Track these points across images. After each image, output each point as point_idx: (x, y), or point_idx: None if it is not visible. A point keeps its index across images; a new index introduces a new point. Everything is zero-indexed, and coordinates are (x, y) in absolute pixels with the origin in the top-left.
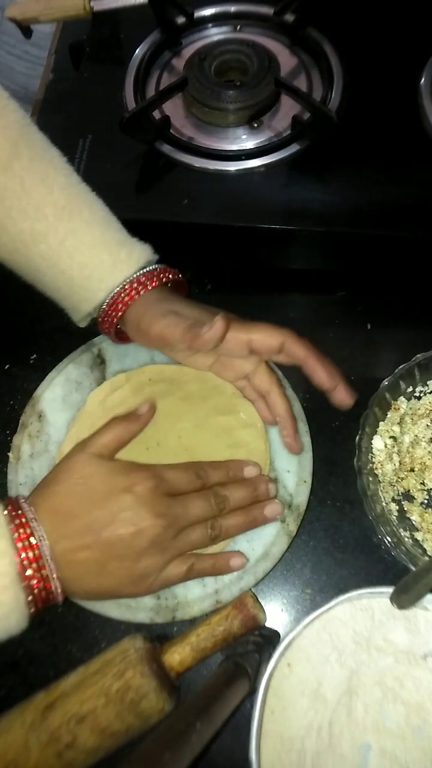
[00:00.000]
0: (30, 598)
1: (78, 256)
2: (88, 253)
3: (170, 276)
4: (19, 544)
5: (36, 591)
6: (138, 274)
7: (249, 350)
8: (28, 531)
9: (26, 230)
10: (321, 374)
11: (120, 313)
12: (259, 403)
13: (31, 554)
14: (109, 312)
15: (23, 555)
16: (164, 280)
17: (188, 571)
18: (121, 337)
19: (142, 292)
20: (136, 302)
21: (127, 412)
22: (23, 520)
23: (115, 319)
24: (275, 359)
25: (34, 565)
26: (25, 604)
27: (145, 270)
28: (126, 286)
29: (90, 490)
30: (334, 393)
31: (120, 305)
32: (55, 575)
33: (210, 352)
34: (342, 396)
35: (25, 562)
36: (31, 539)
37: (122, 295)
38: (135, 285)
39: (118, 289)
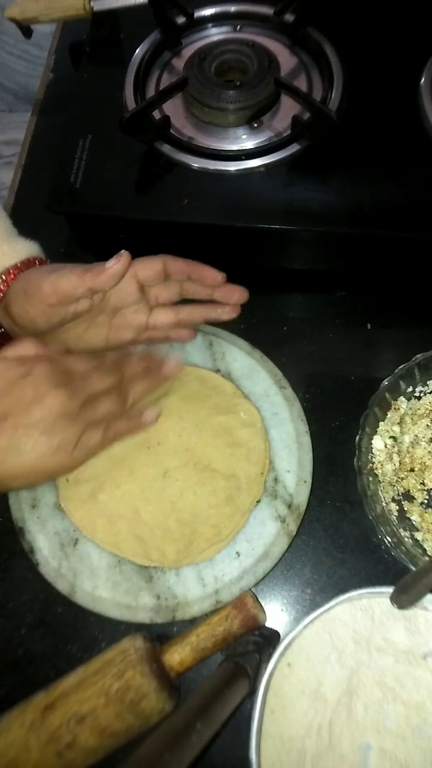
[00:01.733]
0: None
1: None
2: None
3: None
4: None
5: None
6: (19, 263)
7: (138, 286)
8: None
9: None
10: (207, 273)
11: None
12: (178, 332)
13: None
14: None
15: None
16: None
17: (104, 435)
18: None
19: (24, 270)
20: (17, 279)
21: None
22: None
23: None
24: (163, 291)
25: None
26: None
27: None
28: (5, 274)
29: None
30: (222, 289)
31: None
32: None
33: (102, 322)
34: (230, 290)
35: None
36: None
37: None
38: (15, 270)
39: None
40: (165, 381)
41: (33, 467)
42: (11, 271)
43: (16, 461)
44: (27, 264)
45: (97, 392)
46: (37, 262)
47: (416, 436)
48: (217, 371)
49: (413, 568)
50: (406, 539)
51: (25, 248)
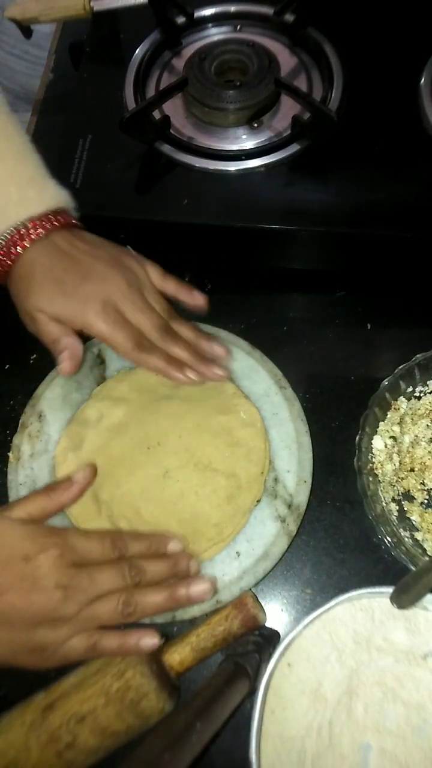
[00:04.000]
0: None
1: None
2: None
3: (72, 221)
4: None
5: None
6: (41, 215)
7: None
8: None
9: None
10: None
11: (12, 260)
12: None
13: None
14: (2, 258)
15: None
16: (64, 222)
17: (91, 648)
18: None
19: (41, 235)
20: (29, 250)
21: (63, 478)
22: None
23: (7, 267)
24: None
25: None
26: None
27: (50, 211)
28: (23, 228)
29: None
30: None
31: (14, 249)
32: None
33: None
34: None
35: None
36: None
37: (18, 236)
38: (36, 226)
39: (15, 227)
40: (185, 605)
41: (2, 657)
42: (26, 233)
43: None
44: (50, 219)
45: (102, 593)
46: (61, 219)
47: (416, 436)
48: None
49: (413, 568)
50: (406, 539)
51: (55, 197)
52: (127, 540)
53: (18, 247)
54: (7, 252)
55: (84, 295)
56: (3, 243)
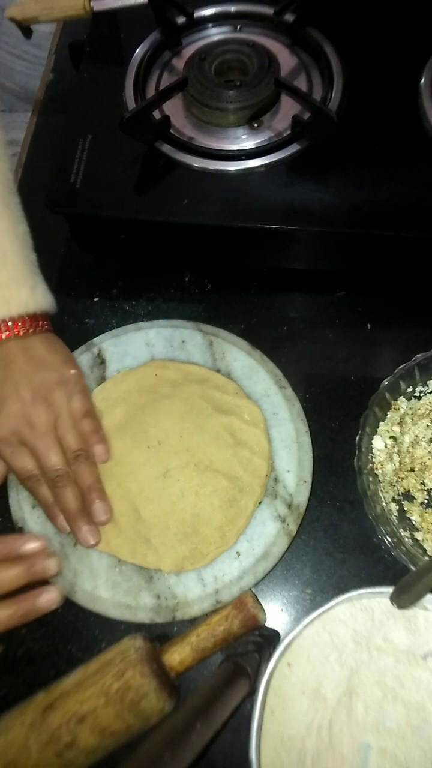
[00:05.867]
0: None
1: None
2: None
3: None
4: None
5: None
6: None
7: None
8: None
9: None
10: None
11: None
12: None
13: None
14: None
15: None
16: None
17: None
18: None
19: (21, 332)
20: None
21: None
22: None
23: None
24: None
25: None
26: None
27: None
28: (12, 322)
29: None
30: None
31: None
32: None
33: None
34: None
35: None
36: None
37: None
38: (13, 324)
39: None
40: (33, 616)
41: None
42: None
43: None
44: (28, 321)
45: None
46: (41, 324)
47: (416, 436)
48: (218, 371)
49: (413, 568)
50: (406, 539)
51: (45, 299)
52: None
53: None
54: None
55: None
56: None
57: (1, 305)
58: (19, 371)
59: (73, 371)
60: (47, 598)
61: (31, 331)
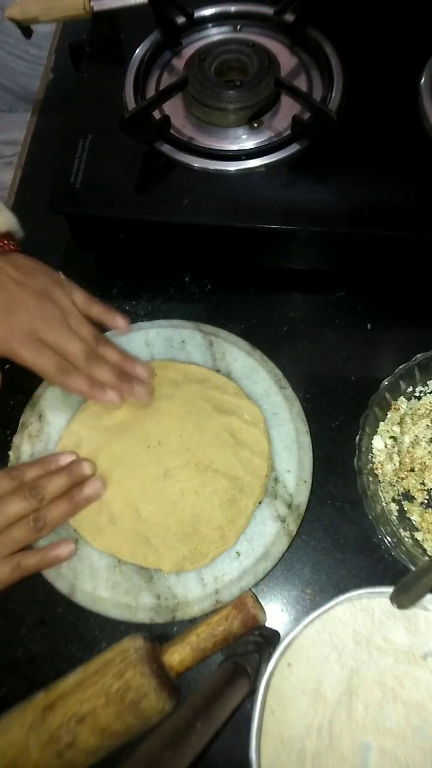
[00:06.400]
0: None
1: None
2: None
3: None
4: None
5: None
6: None
7: None
8: None
9: None
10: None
11: None
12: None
13: None
14: None
15: None
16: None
17: (15, 569)
18: None
19: None
20: None
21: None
22: None
23: None
24: None
25: None
26: None
27: None
28: None
29: None
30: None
31: None
32: None
33: None
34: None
35: None
36: None
37: None
38: None
39: None
40: (84, 504)
41: None
42: None
43: None
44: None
45: (12, 519)
46: (9, 243)
47: (416, 436)
48: (218, 371)
49: (413, 568)
50: (406, 539)
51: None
52: (22, 468)
53: None
54: None
55: (9, 324)
56: None
57: None
58: (13, 280)
59: (61, 275)
60: (90, 487)
61: (11, 246)
